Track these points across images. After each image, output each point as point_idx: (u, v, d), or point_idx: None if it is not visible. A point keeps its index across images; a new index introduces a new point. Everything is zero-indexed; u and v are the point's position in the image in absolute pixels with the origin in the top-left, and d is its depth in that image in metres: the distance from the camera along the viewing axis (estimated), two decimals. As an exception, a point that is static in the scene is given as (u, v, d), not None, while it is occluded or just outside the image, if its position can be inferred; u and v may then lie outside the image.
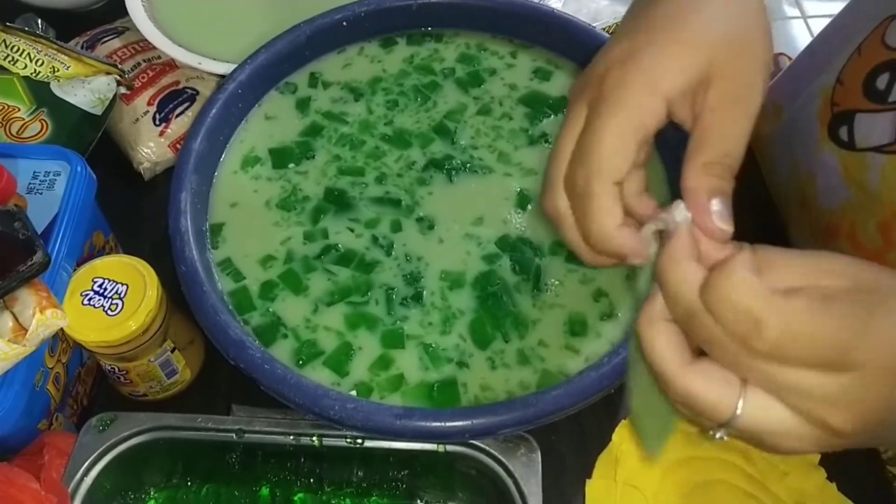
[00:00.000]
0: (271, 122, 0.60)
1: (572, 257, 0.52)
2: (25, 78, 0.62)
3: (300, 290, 0.52)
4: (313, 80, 0.62)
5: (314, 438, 0.49)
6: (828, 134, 0.54)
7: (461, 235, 0.54)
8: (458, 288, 0.52)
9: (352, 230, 0.54)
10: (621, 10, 0.73)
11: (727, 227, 0.31)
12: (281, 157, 0.58)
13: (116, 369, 0.51)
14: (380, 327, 0.50)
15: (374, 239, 0.54)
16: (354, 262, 0.53)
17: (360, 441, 0.48)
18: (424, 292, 0.51)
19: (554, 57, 0.63)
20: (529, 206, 0.55)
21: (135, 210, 0.65)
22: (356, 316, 0.51)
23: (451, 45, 0.64)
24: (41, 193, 0.51)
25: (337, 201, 0.56)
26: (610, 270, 0.52)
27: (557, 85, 0.62)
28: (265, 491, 0.52)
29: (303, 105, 0.61)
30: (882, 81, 0.49)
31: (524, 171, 0.57)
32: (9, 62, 0.63)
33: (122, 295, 0.48)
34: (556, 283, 0.52)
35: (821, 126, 0.55)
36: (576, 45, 0.61)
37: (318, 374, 0.49)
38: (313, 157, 0.58)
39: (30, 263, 0.43)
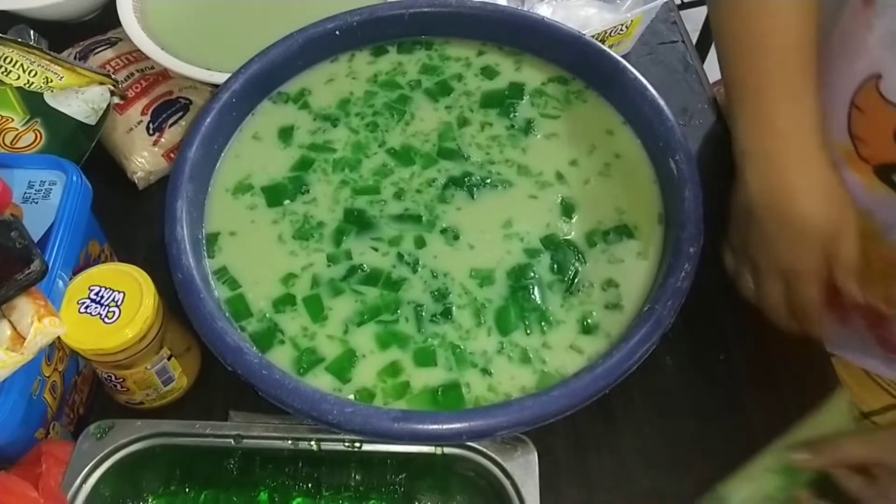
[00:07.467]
0: (259, 143, 0.60)
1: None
2: (19, 89, 0.62)
3: (318, 318, 0.52)
4: (299, 95, 0.62)
5: (312, 443, 0.49)
6: (878, 179, 0.54)
7: (500, 237, 0.55)
8: (489, 285, 0.52)
9: (376, 249, 0.55)
10: (609, 17, 0.74)
11: None
12: (274, 195, 0.57)
13: (113, 377, 0.51)
14: (411, 345, 0.50)
15: (400, 256, 0.54)
16: (381, 281, 0.53)
17: (358, 445, 0.49)
18: (453, 308, 0.52)
19: (541, 62, 0.64)
20: (575, 215, 0.56)
21: (129, 219, 0.65)
22: (387, 335, 0.51)
23: (413, 57, 0.65)
24: (37, 203, 0.51)
25: (357, 221, 0.56)
26: (629, 263, 0.53)
27: (505, 78, 0.63)
28: (264, 496, 0.52)
29: (285, 135, 0.60)
30: None
31: (545, 182, 0.57)
32: (2, 73, 0.63)
33: (118, 303, 0.48)
34: (589, 285, 0.53)
35: (861, 175, 0.55)
36: (565, 54, 0.62)
37: (320, 381, 0.49)
38: (307, 190, 0.57)
39: (27, 272, 0.43)
